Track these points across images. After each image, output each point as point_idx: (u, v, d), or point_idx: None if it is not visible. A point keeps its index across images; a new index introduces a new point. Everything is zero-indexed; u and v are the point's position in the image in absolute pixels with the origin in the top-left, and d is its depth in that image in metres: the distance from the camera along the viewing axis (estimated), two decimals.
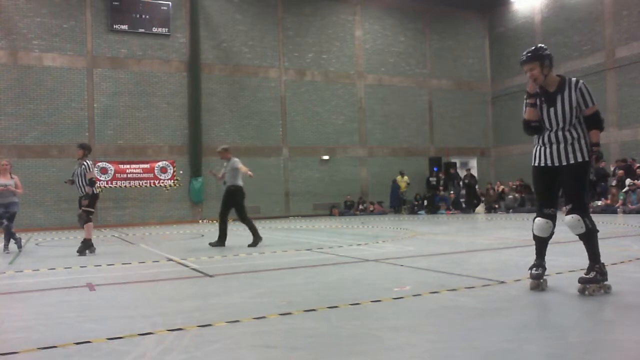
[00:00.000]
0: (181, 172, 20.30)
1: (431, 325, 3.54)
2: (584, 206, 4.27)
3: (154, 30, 20.11)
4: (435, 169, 23.75)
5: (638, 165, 17.04)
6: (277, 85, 22.06)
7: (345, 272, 6.14)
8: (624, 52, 20.13)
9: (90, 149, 9.48)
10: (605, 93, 20.22)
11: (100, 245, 11.11)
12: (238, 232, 13.88)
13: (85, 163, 9.05)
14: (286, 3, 22.37)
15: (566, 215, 4.28)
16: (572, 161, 4.30)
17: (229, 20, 21.37)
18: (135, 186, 19.55)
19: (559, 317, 3.70)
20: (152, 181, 19.90)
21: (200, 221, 19.97)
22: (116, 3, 19.51)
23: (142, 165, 19.72)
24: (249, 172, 9.57)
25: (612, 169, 17.90)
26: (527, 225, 12.61)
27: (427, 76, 24.95)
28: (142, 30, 19.94)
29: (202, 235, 12.88)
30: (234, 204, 9.90)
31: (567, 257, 6.25)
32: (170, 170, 20.13)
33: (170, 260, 7.75)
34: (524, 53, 4.46)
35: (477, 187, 22.15)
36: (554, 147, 4.39)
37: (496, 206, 20.21)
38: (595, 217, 4.86)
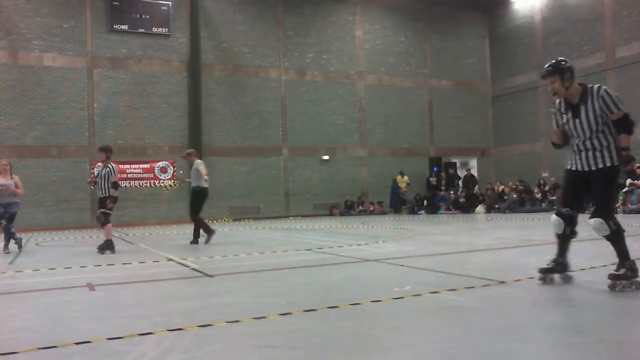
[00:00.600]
0: (181, 172, 20.27)
1: (431, 325, 3.54)
2: (609, 209, 4.34)
3: (154, 30, 20.11)
4: (435, 169, 23.76)
5: (638, 165, 17.03)
6: (277, 85, 22.06)
7: (345, 272, 6.14)
8: (624, 52, 20.13)
9: (111, 150, 9.61)
10: None
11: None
12: (238, 232, 13.89)
13: (110, 166, 9.17)
14: (286, 3, 22.37)
15: (590, 218, 4.35)
16: (600, 166, 4.37)
17: (229, 20, 21.37)
18: (135, 186, 19.55)
19: (559, 317, 3.70)
20: (152, 181, 19.91)
21: None
22: (116, 3, 19.51)
23: (142, 165, 19.72)
24: (205, 176, 10.33)
25: None
26: (527, 225, 12.64)
27: (427, 76, 24.95)
28: (142, 30, 19.94)
29: (202, 235, 12.86)
30: (200, 204, 10.48)
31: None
32: (170, 170, 20.12)
33: (170, 260, 7.75)
34: (545, 66, 4.54)
35: (477, 187, 22.15)
36: (583, 154, 4.47)
37: (496, 206, 20.21)
38: None
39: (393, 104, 24.06)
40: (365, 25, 23.81)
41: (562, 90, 4.43)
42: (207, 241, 10.11)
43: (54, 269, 7.13)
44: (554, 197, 19.60)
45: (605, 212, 4.29)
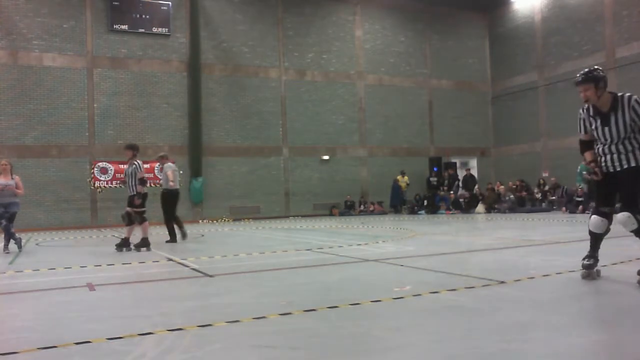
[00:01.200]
0: (181, 172, 20.25)
1: (431, 325, 3.54)
2: (636, 205, 4.51)
3: (154, 30, 20.10)
4: (435, 169, 23.75)
5: None
6: (277, 85, 22.06)
7: (345, 272, 6.14)
8: (624, 52, 20.13)
9: (138, 148, 9.65)
10: None
11: (101, 245, 11.13)
12: (238, 232, 13.89)
13: (135, 163, 9.25)
14: (286, 3, 22.37)
15: (618, 213, 4.52)
16: (629, 165, 4.55)
17: (229, 20, 21.37)
18: None
19: (559, 317, 3.69)
20: (152, 181, 19.88)
21: (200, 221, 19.96)
22: (116, 3, 19.51)
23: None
24: (171, 182, 10.70)
25: None
26: (527, 225, 12.65)
27: (427, 76, 24.95)
28: (142, 30, 19.94)
29: (202, 235, 12.88)
30: (168, 205, 10.74)
31: (567, 257, 6.25)
32: None
33: (170, 260, 7.75)
34: (579, 74, 4.68)
35: (477, 187, 22.13)
36: (609, 156, 4.65)
37: (496, 206, 20.20)
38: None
39: (393, 104, 24.05)
40: (365, 25, 23.81)
41: (594, 98, 4.57)
42: (167, 242, 10.45)
43: (54, 269, 7.13)
44: (554, 197, 19.61)
45: (632, 206, 4.46)
